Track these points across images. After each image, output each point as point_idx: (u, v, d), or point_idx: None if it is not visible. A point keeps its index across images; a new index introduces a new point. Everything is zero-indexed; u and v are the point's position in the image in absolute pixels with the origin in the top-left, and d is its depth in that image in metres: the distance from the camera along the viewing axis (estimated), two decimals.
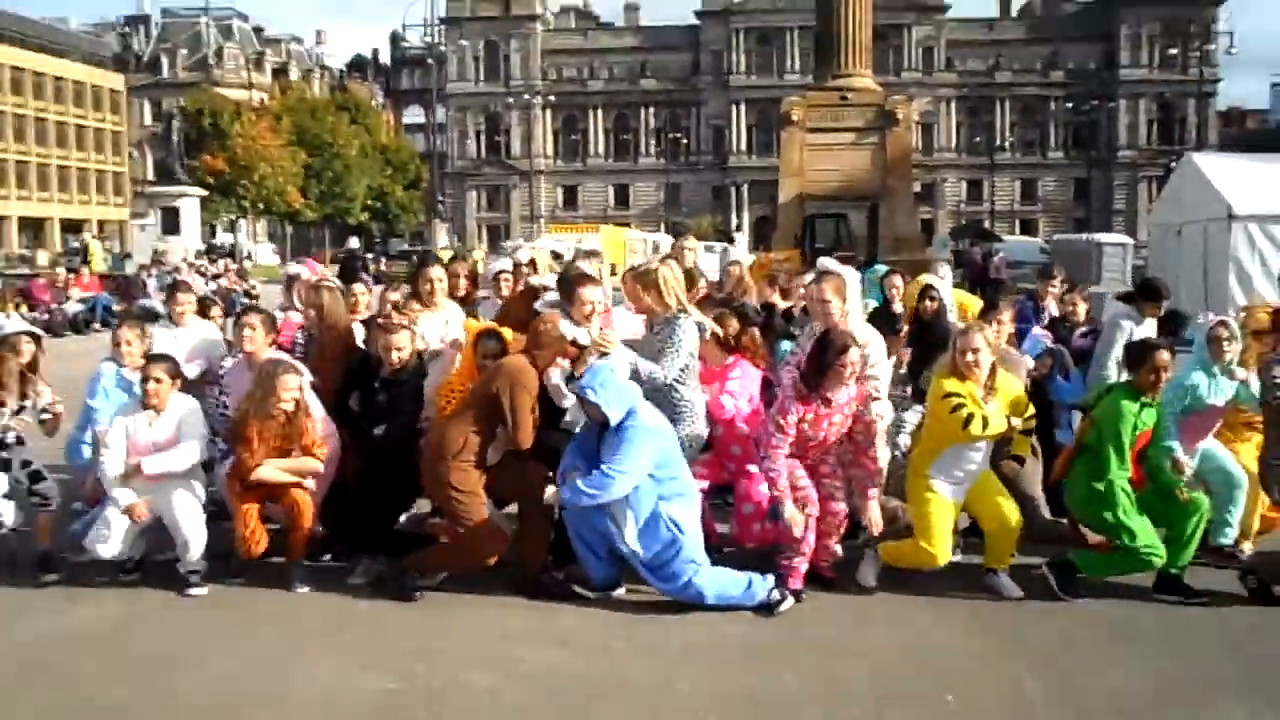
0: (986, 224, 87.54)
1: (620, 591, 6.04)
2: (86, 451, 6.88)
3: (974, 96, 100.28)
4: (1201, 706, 4.85)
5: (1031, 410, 6.42)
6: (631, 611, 5.93)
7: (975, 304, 8.89)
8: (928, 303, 8.15)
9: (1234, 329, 6.61)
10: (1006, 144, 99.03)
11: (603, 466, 5.65)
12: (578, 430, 6.14)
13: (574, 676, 5.13)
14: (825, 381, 5.91)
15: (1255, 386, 6.49)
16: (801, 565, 6.08)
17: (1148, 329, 7.56)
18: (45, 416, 6.60)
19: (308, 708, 4.82)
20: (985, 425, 5.86)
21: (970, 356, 5.97)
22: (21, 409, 6.50)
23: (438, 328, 7.51)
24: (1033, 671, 5.21)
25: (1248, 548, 6.66)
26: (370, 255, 53.46)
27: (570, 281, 6.75)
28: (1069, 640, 5.64)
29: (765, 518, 6.38)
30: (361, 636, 5.61)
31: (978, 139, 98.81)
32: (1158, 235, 28.09)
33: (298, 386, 6.20)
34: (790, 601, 5.95)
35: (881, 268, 12.31)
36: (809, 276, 7.85)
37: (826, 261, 7.78)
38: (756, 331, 7.47)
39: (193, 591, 6.18)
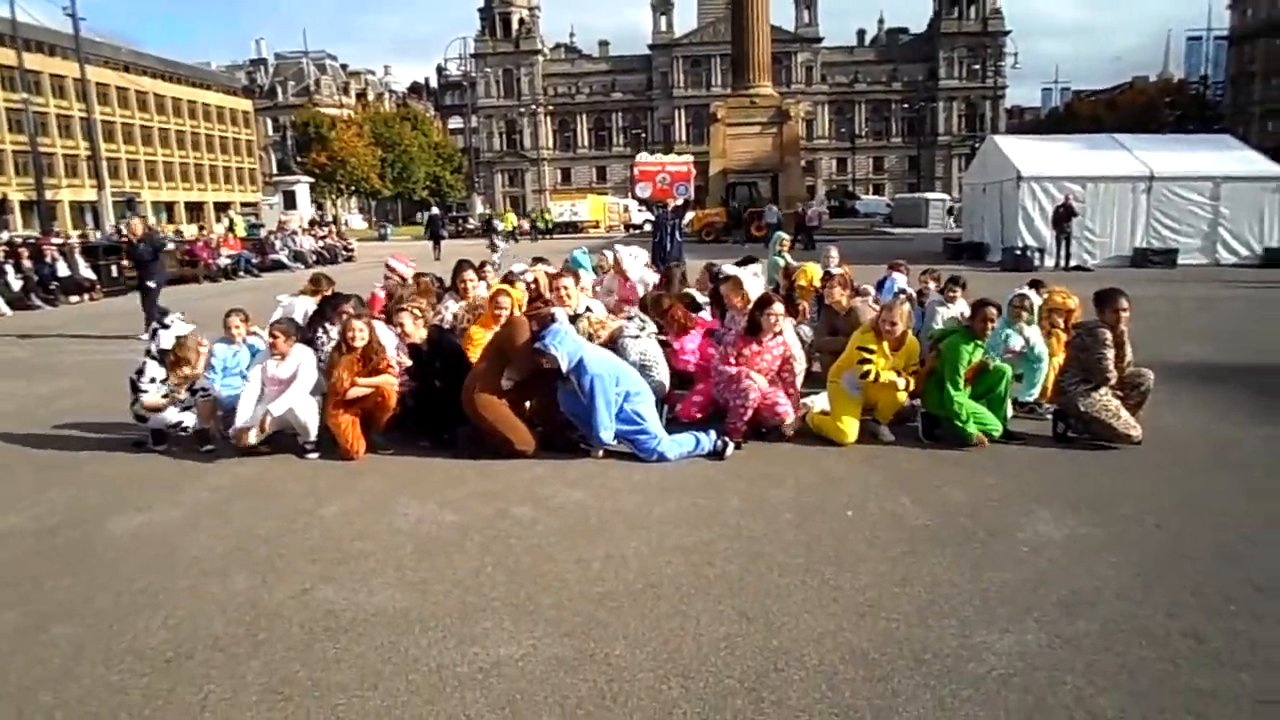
0: (850, 189, 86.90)
1: (612, 444, 5.80)
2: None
3: (840, 100, 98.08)
4: (1020, 510, 4.70)
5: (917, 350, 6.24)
6: (622, 461, 5.72)
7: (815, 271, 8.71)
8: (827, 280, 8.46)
9: (1031, 303, 6.42)
10: (862, 133, 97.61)
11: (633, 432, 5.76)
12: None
13: (585, 506, 4.92)
14: (761, 328, 6.05)
15: (1036, 341, 6.43)
16: (741, 427, 5.94)
17: (955, 306, 7.65)
18: (193, 401, 6.22)
19: (402, 533, 4.59)
20: (876, 378, 5.86)
21: (889, 326, 5.93)
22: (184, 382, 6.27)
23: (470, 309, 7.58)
24: (905, 491, 5.04)
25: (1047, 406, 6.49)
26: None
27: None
28: (929, 469, 5.47)
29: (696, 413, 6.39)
30: (435, 485, 5.35)
31: (843, 130, 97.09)
32: (968, 192, 27.79)
33: (365, 324, 6.05)
34: (732, 449, 5.80)
35: (784, 235, 11.95)
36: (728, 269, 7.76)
37: (726, 268, 7.65)
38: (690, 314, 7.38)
39: (310, 456, 5.97)
